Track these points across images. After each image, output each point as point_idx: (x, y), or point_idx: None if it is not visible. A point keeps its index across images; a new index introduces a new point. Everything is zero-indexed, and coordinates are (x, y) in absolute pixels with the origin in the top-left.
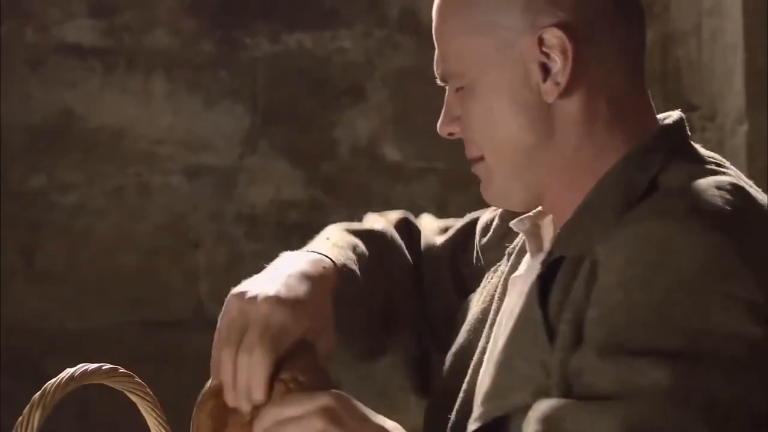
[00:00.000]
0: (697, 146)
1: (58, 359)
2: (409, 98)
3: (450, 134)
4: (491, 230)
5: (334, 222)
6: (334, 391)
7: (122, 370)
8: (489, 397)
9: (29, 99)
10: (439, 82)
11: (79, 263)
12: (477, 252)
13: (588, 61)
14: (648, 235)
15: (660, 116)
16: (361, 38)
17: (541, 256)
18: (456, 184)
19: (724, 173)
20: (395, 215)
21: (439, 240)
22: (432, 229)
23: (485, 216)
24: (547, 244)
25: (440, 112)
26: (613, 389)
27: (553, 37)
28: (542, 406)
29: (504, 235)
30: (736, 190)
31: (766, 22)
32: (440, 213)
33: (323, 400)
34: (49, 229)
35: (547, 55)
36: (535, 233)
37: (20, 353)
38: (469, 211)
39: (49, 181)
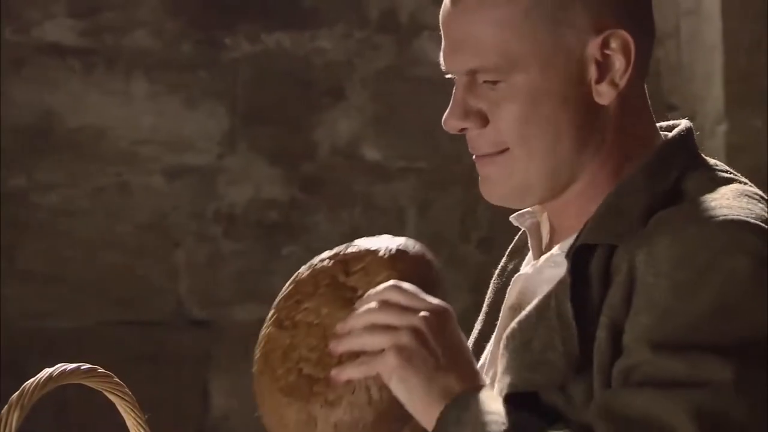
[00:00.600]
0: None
1: (39, 359)
2: (389, 99)
3: (462, 130)
4: None
5: (315, 222)
6: (442, 305)
7: (101, 369)
8: (512, 370)
9: (10, 99)
10: (451, 72)
11: (61, 263)
12: None
13: (636, 67)
14: (693, 240)
15: (666, 124)
16: (341, 39)
17: (558, 253)
18: (437, 184)
19: (740, 181)
20: None
21: None
22: None
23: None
24: (546, 241)
25: (420, 112)
26: (681, 379)
27: (619, 39)
28: (607, 393)
29: None
30: (761, 198)
31: (745, 23)
32: (421, 213)
33: (418, 321)
34: (30, 229)
35: (606, 57)
36: (536, 229)
37: (3, 353)
38: (450, 211)
39: (30, 181)
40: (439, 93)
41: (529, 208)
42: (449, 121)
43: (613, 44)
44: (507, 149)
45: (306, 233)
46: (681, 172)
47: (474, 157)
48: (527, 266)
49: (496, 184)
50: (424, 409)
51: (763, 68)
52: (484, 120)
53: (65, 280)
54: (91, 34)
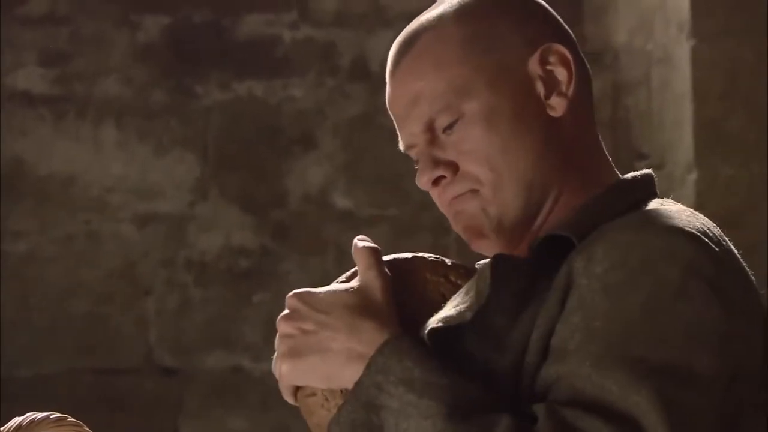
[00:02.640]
0: None
1: (7, 407)
2: (360, 147)
3: (436, 181)
4: None
5: (286, 269)
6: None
7: (71, 419)
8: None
9: None
10: (411, 142)
11: (30, 311)
12: None
13: (579, 75)
14: (628, 245)
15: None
16: (313, 87)
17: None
18: (407, 232)
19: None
20: None
21: None
22: None
23: None
24: None
25: (391, 160)
26: (610, 403)
27: (555, 52)
28: (549, 409)
29: None
30: (708, 222)
31: (715, 72)
32: None
33: (281, 320)
34: (0, 277)
35: (549, 72)
36: None
37: None
38: None
39: None
40: None
41: None
42: (423, 176)
43: (551, 58)
44: (478, 180)
45: (277, 281)
46: (639, 198)
47: (448, 203)
48: None
49: (474, 217)
50: (338, 376)
51: (733, 116)
52: (455, 166)
53: (34, 327)
54: (61, 82)
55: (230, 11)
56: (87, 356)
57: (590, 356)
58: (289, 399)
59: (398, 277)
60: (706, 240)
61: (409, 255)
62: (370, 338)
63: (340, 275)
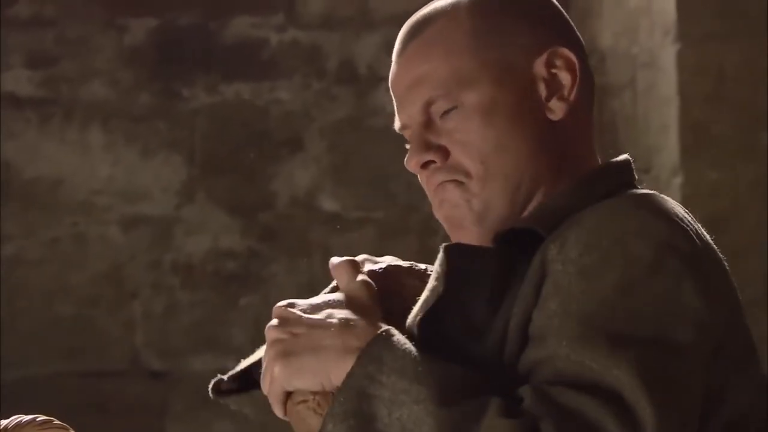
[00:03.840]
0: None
1: None
2: (346, 149)
3: (425, 164)
4: None
5: (273, 272)
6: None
7: (57, 421)
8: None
9: None
10: (406, 123)
11: (16, 314)
12: None
13: (583, 80)
14: (599, 228)
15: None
16: (300, 90)
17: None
18: (394, 234)
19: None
20: None
21: None
22: None
23: None
24: None
25: (377, 163)
26: (594, 379)
27: (562, 56)
28: (535, 390)
29: None
30: (678, 207)
31: (700, 75)
32: None
33: (270, 327)
34: None
35: (553, 75)
36: None
37: None
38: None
39: None
40: (396, 144)
41: None
42: (412, 158)
43: (558, 62)
44: (467, 173)
45: (264, 283)
46: (609, 190)
47: (434, 188)
48: None
49: (457, 207)
50: (334, 372)
51: (719, 120)
52: (446, 152)
53: (21, 330)
54: (47, 84)
55: (217, 14)
56: (74, 359)
57: (567, 337)
58: (278, 410)
59: (377, 286)
60: (677, 220)
61: (382, 265)
62: (363, 333)
63: (327, 277)
